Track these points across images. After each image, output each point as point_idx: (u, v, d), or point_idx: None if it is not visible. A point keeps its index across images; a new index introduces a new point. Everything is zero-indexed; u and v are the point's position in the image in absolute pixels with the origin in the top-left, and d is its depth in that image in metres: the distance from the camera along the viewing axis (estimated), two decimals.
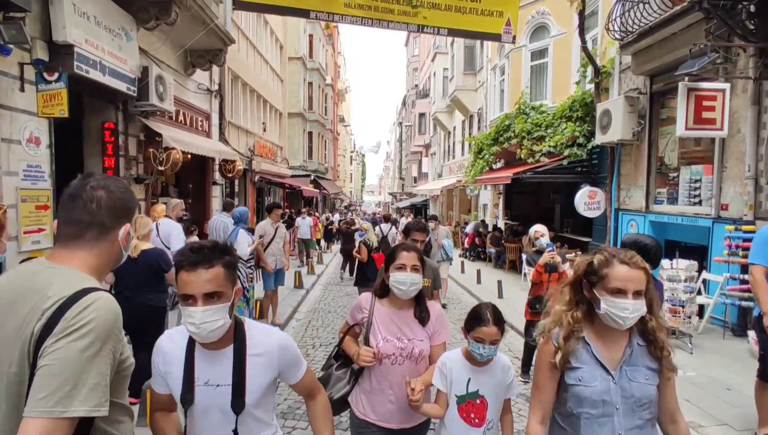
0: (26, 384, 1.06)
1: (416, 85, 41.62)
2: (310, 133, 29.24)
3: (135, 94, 7.03)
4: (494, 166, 14.60)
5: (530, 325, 4.94)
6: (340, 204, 48.81)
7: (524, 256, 9.64)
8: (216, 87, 11.47)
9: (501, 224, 16.23)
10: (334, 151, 42.18)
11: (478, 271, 10.84)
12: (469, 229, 16.03)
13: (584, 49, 9.19)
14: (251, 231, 6.36)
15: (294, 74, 25.64)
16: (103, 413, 1.07)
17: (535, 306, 4.83)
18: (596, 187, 9.54)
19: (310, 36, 29.50)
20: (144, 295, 4.01)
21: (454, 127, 26.08)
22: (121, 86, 6.60)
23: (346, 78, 60.27)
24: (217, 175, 11.62)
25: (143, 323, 4.00)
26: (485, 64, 19.47)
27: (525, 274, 9.85)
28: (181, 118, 9.42)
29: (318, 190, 26.10)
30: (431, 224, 8.07)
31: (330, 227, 19.45)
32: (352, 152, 76.70)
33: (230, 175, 11.53)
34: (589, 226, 10.52)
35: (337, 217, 23.89)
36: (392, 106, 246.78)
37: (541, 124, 11.10)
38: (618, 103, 8.29)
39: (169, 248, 5.07)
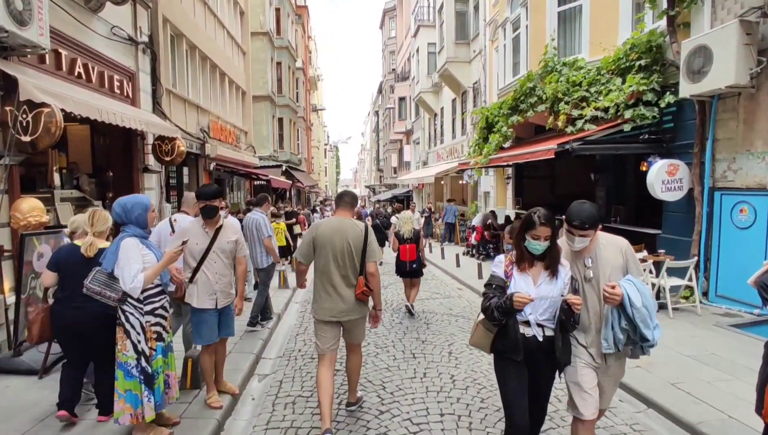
0: (358, 255, 3.45)
1: (393, 69, 38.71)
2: (281, 120, 26.09)
3: None
4: (505, 146, 11.96)
5: None
6: (315, 198, 45.54)
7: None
8: (145, 38, 8.39)
9: (512, 215, 13.65)
10: (307, 142, 38.91)
11: None
12: (476, 221, 13.34)
13: None
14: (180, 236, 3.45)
15: (259, 51, 22.39)
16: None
17: None
18: (672, 158, 6.98)
19: (277, 10, 26.29)
20: (98, 302, 3.00)
21: (442, 108, 23.40)
22: None
23: (318, 66, 56.71)
24: (152, 160, 8.56)
25: (99, 333, 3.14)
26: (481, 29, 16.81)
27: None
28: (79, 70, 6.35)
29: (291, 182, 22.99)
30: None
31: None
32: (326, 145, 73.00)
33: (168, 159, 8.47)
34: (656, 213, 7.95)
35: (318, 217, 20.05)
36: (366, 98, 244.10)
37: (580, 82, 8.49)
38: (725, 34, 5.70)
39: None
